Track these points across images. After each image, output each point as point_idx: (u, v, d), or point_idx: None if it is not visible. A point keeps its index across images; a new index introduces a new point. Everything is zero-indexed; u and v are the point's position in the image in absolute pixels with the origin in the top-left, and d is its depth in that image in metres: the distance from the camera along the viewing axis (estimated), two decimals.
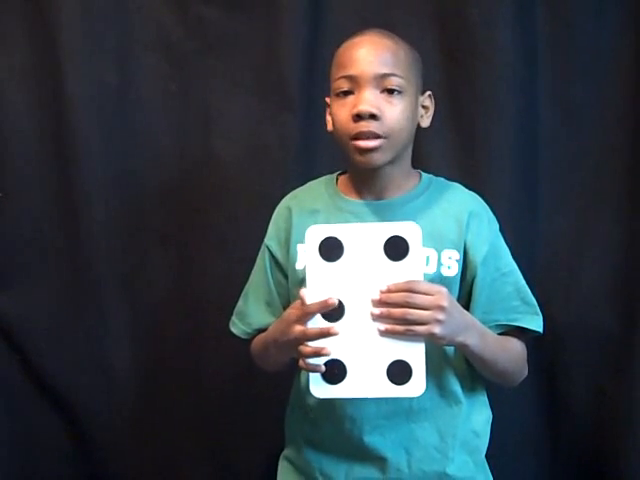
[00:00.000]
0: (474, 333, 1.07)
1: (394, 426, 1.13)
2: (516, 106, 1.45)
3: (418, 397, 1.08)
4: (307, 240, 1.00)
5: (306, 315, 1.01)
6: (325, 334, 0.99)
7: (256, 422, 1.52)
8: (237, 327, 1.26)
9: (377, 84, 1.09)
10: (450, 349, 1.14)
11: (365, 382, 1.01)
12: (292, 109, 1.49)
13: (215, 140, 1.52)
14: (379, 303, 0.99)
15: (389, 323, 0.99)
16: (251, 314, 1.24)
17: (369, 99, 1.09)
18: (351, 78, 1.10)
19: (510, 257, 1.19)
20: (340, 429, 1.14)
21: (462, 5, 1.44)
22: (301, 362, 1.02)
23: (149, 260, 1.55)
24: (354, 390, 1.01)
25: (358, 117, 1.09)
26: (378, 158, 1.10)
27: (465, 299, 1.15)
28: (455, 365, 1.15)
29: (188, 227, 1.54)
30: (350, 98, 1.11)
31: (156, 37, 1.52)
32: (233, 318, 1.27)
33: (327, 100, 1.19)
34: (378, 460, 1.14)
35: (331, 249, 1.00)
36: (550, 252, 1.46)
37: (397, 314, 0.99)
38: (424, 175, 1.21)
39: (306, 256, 1.01)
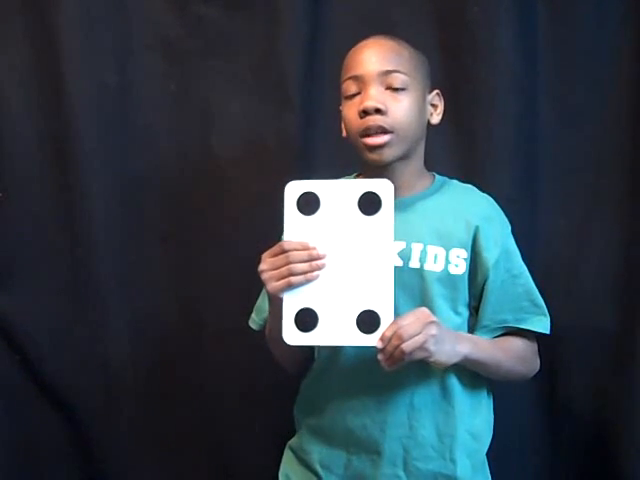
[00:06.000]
0: (466, 342, 1.11)
1: (394, 422, 1.14)
2: (516, 106, 1.45)
3: (419, 395, 1.13)
4: (286, 195, 1.05)
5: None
6: (305, 246, 1.03)
7: (256, 422, 1.52)
8: (254, 322, 1.28)
9: (381, 81, 1.13)
10: None
11: (335, 330, 1.04)
12: (292, 109, 1.49)
13: (215, 140, 1.52)
14: (380, 355, 1.03)
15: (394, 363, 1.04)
16: (267, 308, 1.25)
17: (374, 95, 1.12)
18: (356, 78, 1.14)
19: (520, 259, 1.22)
20: (342, 421, 1.17)
21: (462, 4, 1.44)
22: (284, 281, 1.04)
23: (149, 260, 1.55)
24: (325, 338, 1.05)
25: (364, 113, 1.12)
26: (387, 153, 1.14)
27: (476, 300, 1.18)
28: (457, 367, 1.15)
29: (188, 227, 1.54)
30: (357, 98, 1.15)
31: (156, 37, 1.52)
32: (252, 315, 1.29)
33: (340, 108, 1.21)
34: (375, 454, 1.15)
35: (308, 204, 1.05)
36: (550, 252, 1.46)
37: (399, 356, 1.02)
38: (438, 177, 1.24)
39: (284, 210, 1.05)
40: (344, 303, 1.04)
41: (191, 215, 1.54)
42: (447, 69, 1.45)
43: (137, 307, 1.56)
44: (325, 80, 1.44)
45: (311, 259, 1.03)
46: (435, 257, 1.14)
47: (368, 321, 1.03)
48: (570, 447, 1.47)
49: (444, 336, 1.06)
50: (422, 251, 1.15)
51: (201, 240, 1.54)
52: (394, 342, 1.02)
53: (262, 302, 1.26)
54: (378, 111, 1.12)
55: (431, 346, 1.03)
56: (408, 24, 1.44)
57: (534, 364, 1.24)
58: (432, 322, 1.04)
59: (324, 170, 1.31)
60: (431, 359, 1.05)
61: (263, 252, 1.08)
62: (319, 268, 1.03)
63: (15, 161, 1.53)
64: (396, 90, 1.13)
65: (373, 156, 1.14)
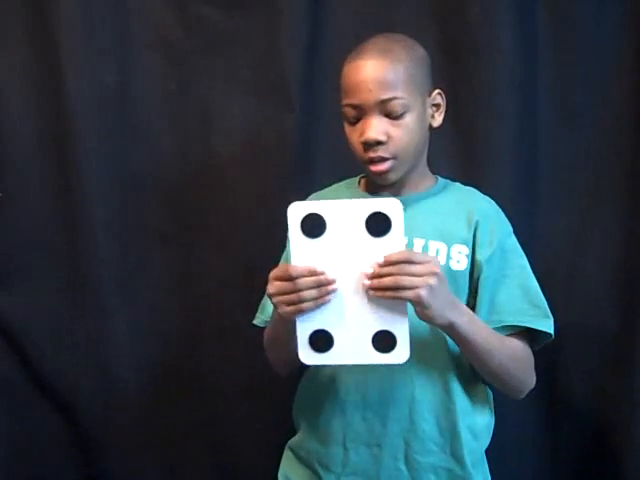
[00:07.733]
0: (461, 313, 1.07)
1: (396, 416, 1.15)
2: (516, 106, 1.45)
3: (421, 388, 1.13)
4: (289, 217, 1.00)
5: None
6: (313, 272, 0.99)
7: (256, 422, 1.52)
8: (258, 319, 1.28)
9: (380, 110, 1.13)
10: (454, 348, 1.14)
11: (351, 350, 1.03)
12: (292, 109, 1.49)
13: (215, 140, 1.52)
14: (372, 276, 0.99)
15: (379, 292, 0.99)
16: (270, 307, 1.24)
17: (374, 126, 1.12)
18: (355, 107, 1.14)
19: (521, 260, 1.21)
20: (341, 417, 1.17)
21: (462, 5, 1.44)
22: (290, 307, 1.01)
23: (149, 260, 1.55)
24: (341, 357, 1.03)
25: (366, 144, 1.13)
26: (392, 177, 1.16)
27: (473, 297, 1.18)
28: (460, 365, 1.16)
29: (188, 227, 1.54)
30: (358, 124, 1.15)
31: (156, 37, 1.52)
32: (257, 313, 1.28)
33: (342, 110, 1.19)
34: (376, 447, 1.16)
35: (313, 226, 1.00)
36: (550, 252, 1.46)
37: (388, 282, 0.98)
38: (440, 179, 1.25)
39: (289, 233, 1.01)
40: (358, 324, 1.01)
41: (191, 215, 1.54)
42: (447, 69, 1.45)
43: (137, 307, 1.56)
44: (325, 80, 1.45)
45: (320, 285, 1.00)
46: (437, 252, 1.15)
47: (384, 340, 1.01)
48: (570, 447, 1.48)
49: (441, 294, 1.01)
50: (424, 246, 1.15)
51: (201, 240, 1.54)
52: (392, 269, 0.98)
53: (265, 300, 1.26)
54: (379, 143, 1.12)
55: (424, 294, 0.98)
56: (408, 24, 1.43)
57: (529, 376, 1.20)
58: (436, 274, 1.00)
59: (324, 170, 1.31)
60: (417, 308, 1.01)
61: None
62: (329, 293, 1.00)
63: (15, 161, 1.53)
64: (396, 118, 1.12)
65: (378, 179, 1.17)
